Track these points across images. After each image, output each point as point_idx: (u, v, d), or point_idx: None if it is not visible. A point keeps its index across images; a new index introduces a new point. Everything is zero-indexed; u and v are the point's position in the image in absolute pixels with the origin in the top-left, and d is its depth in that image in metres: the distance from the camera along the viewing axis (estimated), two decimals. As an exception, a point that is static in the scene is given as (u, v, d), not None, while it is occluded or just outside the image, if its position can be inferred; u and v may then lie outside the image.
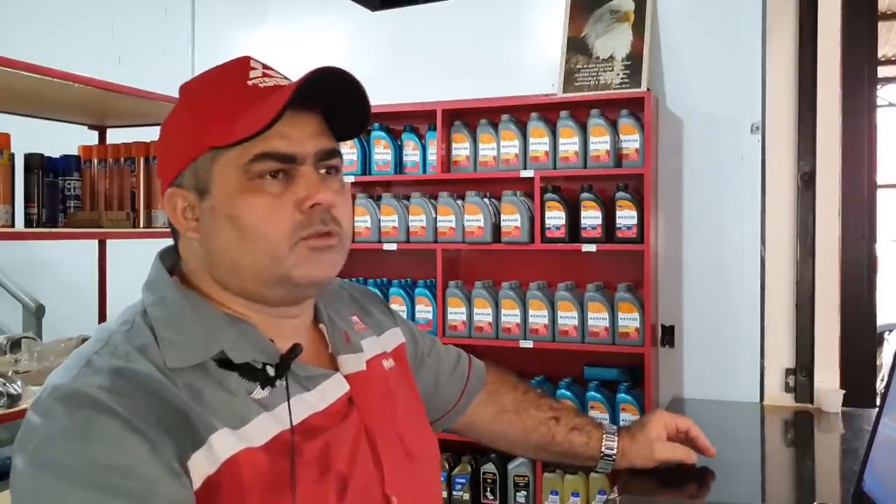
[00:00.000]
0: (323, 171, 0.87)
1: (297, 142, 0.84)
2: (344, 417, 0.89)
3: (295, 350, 0.87)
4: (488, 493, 3.07)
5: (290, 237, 0.83)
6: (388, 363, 1.04)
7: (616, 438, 1.25)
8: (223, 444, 0.77)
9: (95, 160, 2.48)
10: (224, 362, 0.83)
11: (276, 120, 0.79)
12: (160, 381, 0.77)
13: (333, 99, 0.88)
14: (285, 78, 0.89)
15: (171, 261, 0.92)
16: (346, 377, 0.93)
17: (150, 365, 0.78)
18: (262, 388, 0.84)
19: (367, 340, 1.02)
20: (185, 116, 0.87)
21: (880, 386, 2.73)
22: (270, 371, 0.85)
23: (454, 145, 3.17)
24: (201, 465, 0.76)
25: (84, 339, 2.19)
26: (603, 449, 1.24)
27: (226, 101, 0.84)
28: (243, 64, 0.88)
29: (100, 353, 0.79)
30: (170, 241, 0.94)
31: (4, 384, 1.89)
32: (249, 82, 0.85)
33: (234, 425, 0.79)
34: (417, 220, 3.15)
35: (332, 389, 0.90)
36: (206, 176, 0.84)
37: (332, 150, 0.88)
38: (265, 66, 0.89)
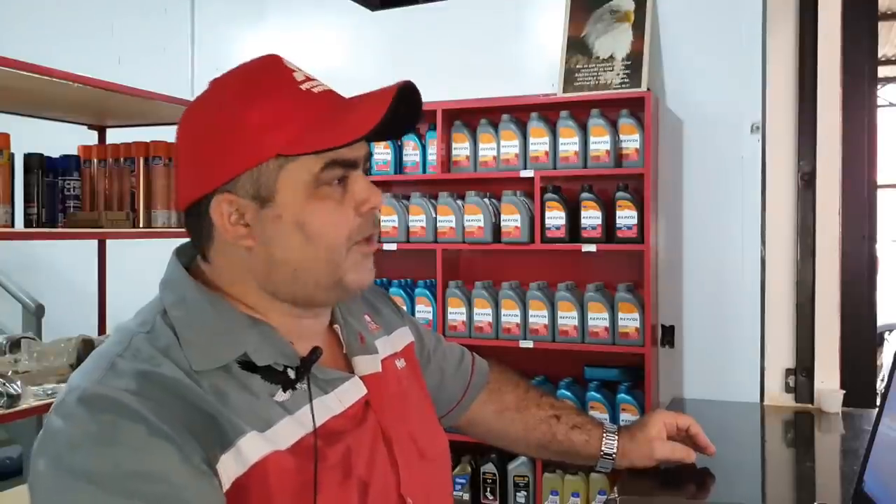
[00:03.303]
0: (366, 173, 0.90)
1: (356, 147, 0.85)
2: (361, 421, 0.89)
3: (315, 353, 0.86)
4: (488, 494, 3.07)
5: (347, 241, 0.85)
6: (399, 363, 1.04)
7: (616, 438, 1.25)
8: (252, 447, 0.77)
9: (95, 160, 2.48)
10: (247, 364, 0.82)
11: (371, 132, 0.80)
12: (186, 385, 0.77)
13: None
14: (316, 80, 0.88)
15: (187, 258, 0.90)
16: (362, 378, 0.93)
17: (175, 367, 0.78)
18: (284, 390, 0.83)
19: (380, 341, 1.02)
20: (234, 120, 0.82)
21: (880, 386, 2.72)
22: (291, 374, 0.84)
23: (454, 145, 3.17)
24: (230, 467, 0.75)
25: (84, 340, 2.19)
26: (603, 448, 1.24)
27: (286, 107, 0.82)
28: (278, 64, 0.86)
29: (123, 356, 0.78)
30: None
31: (4, 384, 1.88)
32: (302, 87, 0.84)
33: (260, 428, 0.79)
34: (417, 220, 3.15)
35: (351, 393, 0.90)
36: (270, 184, 0.82)
37: (370, 153, 0.92)
38: (296, 67, 0.88)
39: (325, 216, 0.83)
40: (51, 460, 0.72)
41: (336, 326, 0.97)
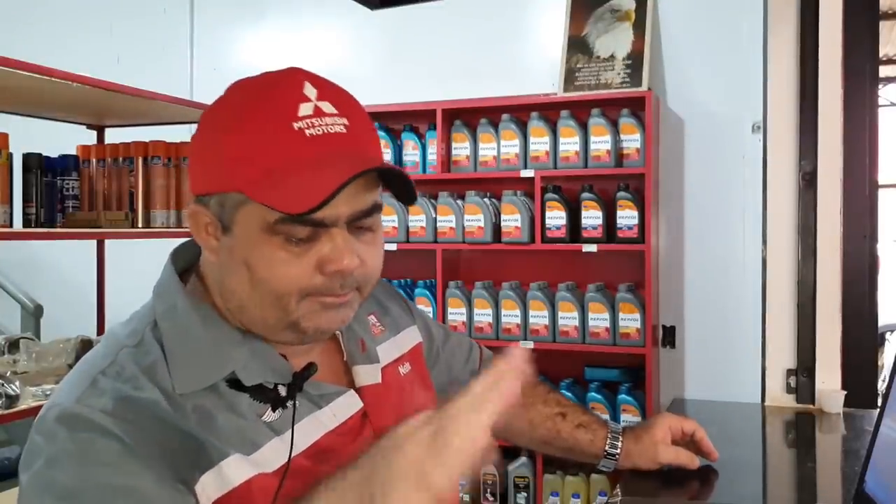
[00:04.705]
0: (357, 227, 0.81)
1: (332, 206, 0.76)
2: (357, 434, 0.88)
3: (309, 370, 0.84)
4: (488, 495, 3.06)
5: (298, 294, 0.79)
6: (403, 368, 1.02)
7: (620, 439, 1.25)
8: (236, 470, 0.76)
9: (94, 160, 2.48)
10: (235, 383, 0.81)
11: (318, 209, 0.73)
12: (165, 409, 0.76)
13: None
14: (338, 115, 0.80)
15: (184, 261, 0.89)
16: (361, 389, 0.91)
17: (156, 391, 0.76)
18: (273, 410, 0.81)
19: (384, 345, 1.00)
20: (223, 137, 0.79)
21: (881, 387, 2.72)
22: (282, 391, 0.82)
23: (454, 145, 3.17)
24: (210, 487, 0.74)
25: (83, 340, 2.18)
26: (606, 448, 1.25)
27: (266, 146, 0.77)
28: (296, 88, 0.80)
29: (106, 374, 0.77)
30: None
31: (3, 385, 1.88)
32: (296, 125, 0.77)
33: (246, 451, 0.77)
34: (417, 220, 3.14)
35: (345, 407, 0.88)
36: (230, 215, 0.79)
37: (370, 209, 0.81)
38: (320, 94, 0.80)
39: (274, 266, 0.78)
40: (31, 476, 0.73)
41: (338, 332, 0.94)
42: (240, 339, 0.83)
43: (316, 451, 0.83)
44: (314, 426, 0.84)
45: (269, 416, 0.81)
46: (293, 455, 0.80)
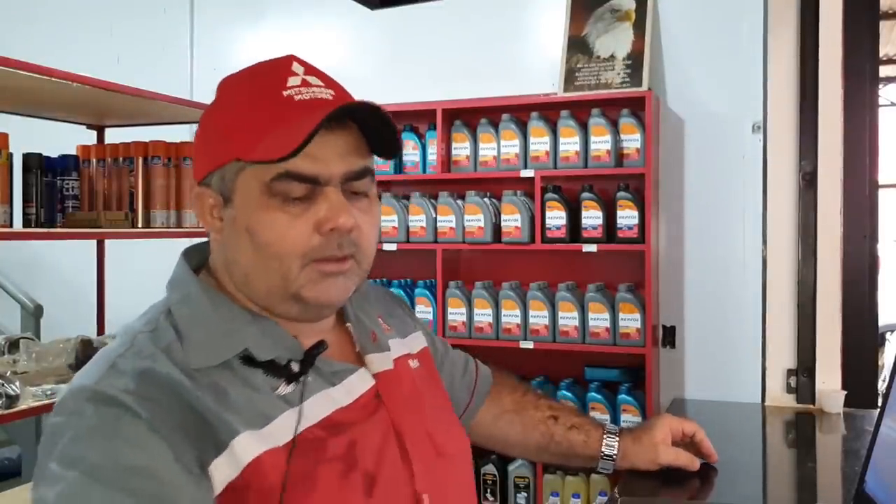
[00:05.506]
0: (351, 191, 0.85)
1: (324, 162, 0.82)
2: (371, 414, 0.89)
3: (320, 346, 0.87)
4: (489, 495, 3.06)
5: (302, 258, 0.82)
6: (413, 363, 1.03)
7: (617, 439, 1.24)
8: (245, 448, 0.77)
9: (94, 160, 2.48)
10: (248, 359, 0.83)
11: (302, 147, 0.77)
12: (183, 384, 0.77)
13: (368, 118, 0.86)
14: (327, 86, 0.86)
15: (197, 259, 0.92)
16: (374, 375, 0.93)
17: (173, 367, 0.79)
18: (287, 383, 0.84)
19: (394, 341, 1.02)
20: (218, 118, 0.86)
21: (882, 387, 2.72)
22: (295, 367, 0.84)
23: (454, 145, 3.17)
24: (223, 471, 0.76)
25: (83, 340, 2.18)
26: (602, 449, 1.23)
27: (257, 111, 0.83)
28: (284, 67, 0.86)
29: (124, 356, 0.80)
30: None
31: (3, 385, 1.88)
32: (285, 92, 0.83)
33: (257, 425, 0.79)
34: (417, 220, 3.14)
35: (358, 384, 0.90)
36: (230, 185, 0.84)
37: (362, 171, 0.86)
38: (307, 70, 0.86)
39: (274, 228, 0.81)
40: (49, 452, 0.74)
41: (348, 325, 0.97)
42: (251, 319, 0.86)
43: (330, 424, 0.84)
44: (328, 402, 0.86)
45: (283, 389, 0.83)
46: (307, 426, 0.82)
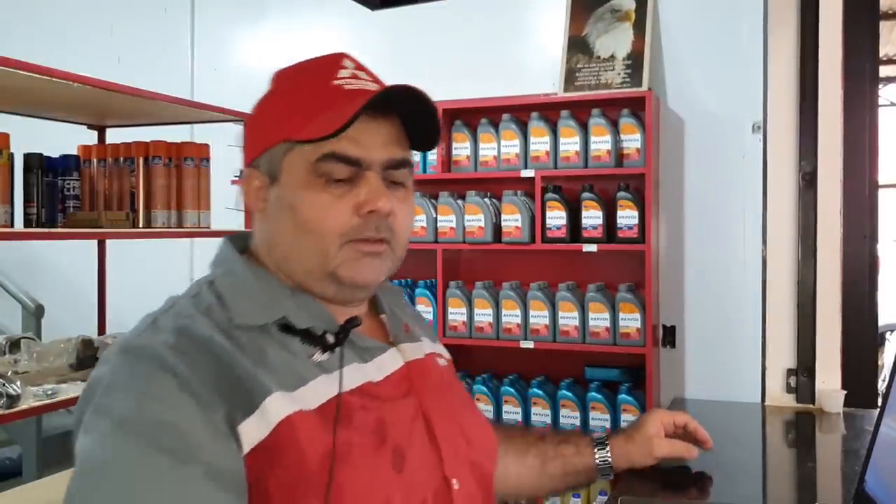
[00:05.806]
0: (390, 179, 0.90)
1: (367, 148, 0.87)
2: (402, 395, 0.92)
3: (354, 320, 0.90)
4: (489, 494, 3.06)
5: (340, 237, 0.87)
6: (442, 361, 1.07)
7: (607, 445, 1.22)
8: (276, 407, 0.79)
9: (95, 160, 2.48)
10: (286, 327, 0.86)
11: (347, 126, 0.82)
12: (219, 343, 0.81)
13: (411, 111, 0.90)
14: (374, 81, 0.92)
15: (239, 245, 0.96)
16: (405, 363, 0.96)
17: (212, 325, 0.82)
18: (323, 352, 0.87)
19: (425, 339, 1.06)
20: (270, 104, 0.92)
21: (881, 386, 2.72)
22: (330, 338, 0.88)
23: (454, 145, 3.17)
24: (252, 432, 0.78)
25: (83, 340, 2.18)
26: (597, 461, 1.21)
27: (307, 97, 0.88)
28: (335, 61, 0.91)
29: (165, 314, 0.84)
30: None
31: (4, 384, 1.88)
32: (335, 82, 0.89)
33: (290, 387, 0.81)
34: (418, 220, 3.14)
35: (389, 362, 0.94)
36: (277, 165, 0.88)
37: (401, 161, 0.91)
38: (358, 67, 0.92)
39: (316, 207, 0.86)
40: (87, 403, 0.78)
41: (383, 316, 1.01)
42: (289, 293, 0.90)
43: (362, 392, 0.87)
44: (359, 374, 0.89)
45: (319, 356, 0.87)
46: (337, 395, 0.84)
